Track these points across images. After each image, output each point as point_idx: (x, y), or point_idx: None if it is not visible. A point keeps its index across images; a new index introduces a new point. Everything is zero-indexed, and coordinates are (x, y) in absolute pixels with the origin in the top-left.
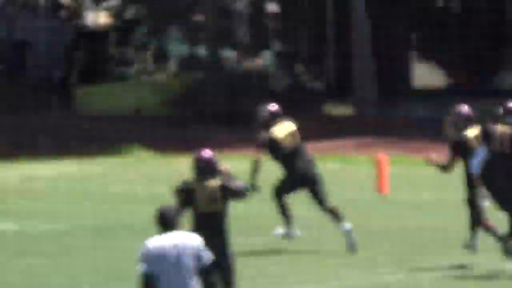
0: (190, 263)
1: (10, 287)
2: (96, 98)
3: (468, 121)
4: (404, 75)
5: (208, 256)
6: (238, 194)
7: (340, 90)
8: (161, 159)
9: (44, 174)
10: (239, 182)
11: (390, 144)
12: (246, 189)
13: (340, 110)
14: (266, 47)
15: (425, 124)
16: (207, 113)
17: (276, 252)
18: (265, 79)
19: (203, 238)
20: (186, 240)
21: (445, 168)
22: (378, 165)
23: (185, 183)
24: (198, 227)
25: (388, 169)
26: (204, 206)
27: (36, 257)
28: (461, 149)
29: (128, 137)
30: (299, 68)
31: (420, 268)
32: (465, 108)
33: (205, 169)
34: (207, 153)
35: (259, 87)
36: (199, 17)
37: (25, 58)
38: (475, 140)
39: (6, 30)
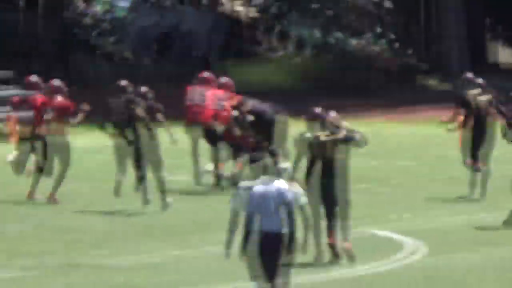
0: (276, 202)
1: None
2: (235, 75)
3: (471, 84)
4: (483, 53)
5: (291, 196)
6: (350, 143)
7: (438, 69)
8: (291, 123)
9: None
10: (351, 134)
11: None
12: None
13: (438, 84)
14: (380, 35)
15: (501, 93)
16: (326, 85)
17: None
18: (381, 60)
19: (319, 180)
20: (274, 183)
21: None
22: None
23: (302, 135)
24: (320, 171)
25: None
26: (321, 154)
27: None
28: (462, 103)
29: None
30: (406, 51)
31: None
32: (469, 74)
33: (322, 122)
34: (332, 113)
35: (372, 66)
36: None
37: (175, 41)
38: (474, 97)
39: (159, 18)
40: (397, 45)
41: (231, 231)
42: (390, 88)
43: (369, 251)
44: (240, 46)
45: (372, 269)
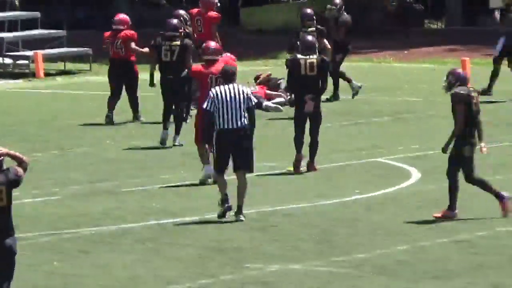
0: (240, 104)
1: None
2: (256, 16)
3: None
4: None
5: (254, 100)
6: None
7: (435, 10)
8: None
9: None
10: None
11: (472, 50)
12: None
13: (434, 25)
14: None
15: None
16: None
17: None
18: (381, 2)
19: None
20: (239, 88)
21: None
22: (461, 65)
23: (292, 57)
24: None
25: (469, 68)
26: (306, 72)
27: None
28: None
29: (279, 45)
30: None
31: None
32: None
33: (310, 48)
34: (311, 38)
35: (378, 7)
36: None
37: None
38: None
39: None
40: None
41: (207, 129)
42: (392, 30)
43: (377, 177)
44: None
45: (379, 193)
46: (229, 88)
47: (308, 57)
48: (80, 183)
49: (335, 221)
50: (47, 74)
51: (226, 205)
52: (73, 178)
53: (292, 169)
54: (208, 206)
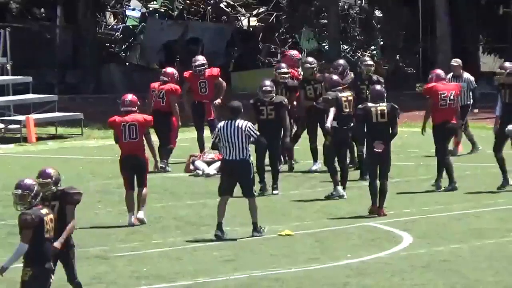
0: (243, 138)
1: None
2: (246, 80)
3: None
4: (474, 62)
5: (254, 135)
6: None
7: (427, 74)
8: None
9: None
10: None
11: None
12: None
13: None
14: (373, 43)
15: (490, 99)
16: None
17: None
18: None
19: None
20: (241, 124)
21: None
22: None
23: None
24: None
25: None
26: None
27: None
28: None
29: None
30: (397, 58)
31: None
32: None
33: (379, 96)
34: (379, 87)
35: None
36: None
37: (196, 51)
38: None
39: (182, 31)
40: (397, 57)
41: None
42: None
43: (368, 241)
44: (255, 57)
45: (371, 259)
46: (232, 124)
47: (378, 104)
48: None
49: (325, 285)
50: (39, 139)
51: (219, 231)
52: None
53: (284, 233)
54: (199, 271)
